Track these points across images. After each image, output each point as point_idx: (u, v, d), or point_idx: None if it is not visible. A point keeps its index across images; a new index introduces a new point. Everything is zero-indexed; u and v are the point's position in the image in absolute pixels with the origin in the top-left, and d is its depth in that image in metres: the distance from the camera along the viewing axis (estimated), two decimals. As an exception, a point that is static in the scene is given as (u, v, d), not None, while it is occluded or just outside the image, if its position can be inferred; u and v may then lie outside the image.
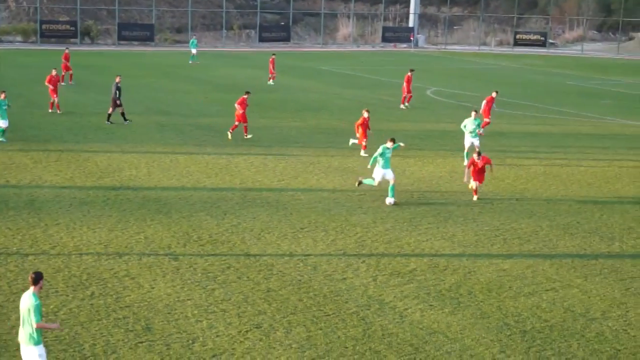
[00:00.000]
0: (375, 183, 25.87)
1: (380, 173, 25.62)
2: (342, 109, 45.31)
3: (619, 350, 15.67)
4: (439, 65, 76.91)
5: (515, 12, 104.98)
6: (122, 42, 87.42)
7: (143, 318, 16.28)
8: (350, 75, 64.10)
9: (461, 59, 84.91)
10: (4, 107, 32.89)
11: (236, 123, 34.93)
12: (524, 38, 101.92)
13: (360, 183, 26.22)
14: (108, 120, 37.52)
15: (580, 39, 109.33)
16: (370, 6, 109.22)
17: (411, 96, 46.25)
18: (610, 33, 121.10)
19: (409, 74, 46.00)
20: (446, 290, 18.39)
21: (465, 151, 31.46)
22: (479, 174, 26.02)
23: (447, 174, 29.93)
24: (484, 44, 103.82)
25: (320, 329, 16.06)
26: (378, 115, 43.16)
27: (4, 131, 32.80)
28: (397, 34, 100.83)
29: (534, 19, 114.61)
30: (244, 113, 34.77)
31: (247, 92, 35.94)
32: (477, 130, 31.30)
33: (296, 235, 21.97)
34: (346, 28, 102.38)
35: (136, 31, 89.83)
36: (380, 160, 25.58)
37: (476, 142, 31.17)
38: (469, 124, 31.29)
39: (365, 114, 32.17)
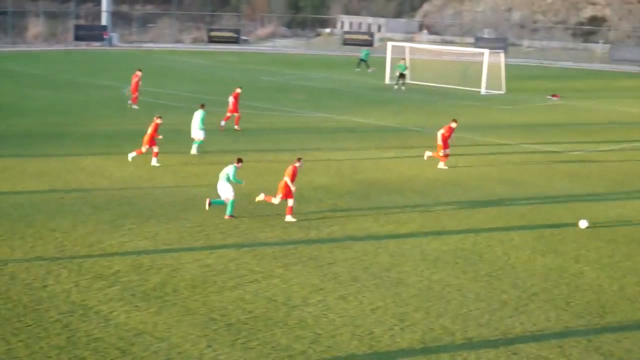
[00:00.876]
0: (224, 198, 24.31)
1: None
2: (36, 110, 43.68)
3: (320, 335, 16.36)
4: (135, 63, 76.02)
5: (209, 10, 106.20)
6: None
7: None
8: (42, 75, 61.89)
9: (157, 57, 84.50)
10: None
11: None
12: (217, 35, 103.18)
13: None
14: None
15: (272, 36, 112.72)
16: (61, 4, 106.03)
17: (137, 96, 45.66)
18: (299, 29, 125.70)
19: (138, 73, 45.80)
20: (151, 289, 18.31)
21: (196, 140, 33.57)
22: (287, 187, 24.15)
23: (147, 172, 29.78)
24: (179, 41, 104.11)
25: (21, 341, 15.42)
26: (72, 117, 42.15)
27: None
28: (90, 32, 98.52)
29: (226, 16, 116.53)
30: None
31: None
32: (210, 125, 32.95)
33: (-9, 244, 20.95)
34: (36, 27, 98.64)
35: None
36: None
37: (201, 135, 33.47)
38: (196, 117, 33.45)
39: (159, 121, 31.24)
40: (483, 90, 60.86)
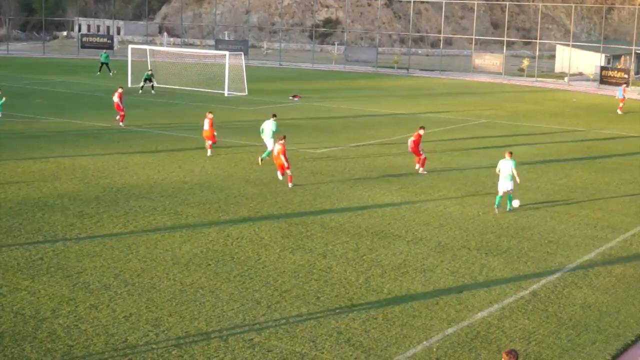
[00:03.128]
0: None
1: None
2: None
3: (72, 346, 15.90)
4: None
5: None
6: None
7: None
8: None
9: None
10: None
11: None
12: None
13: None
14: None
15: (5, 39, 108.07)
16: None
17: None
18: (34, 32, 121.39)
19: None
20: None
21: None
22: None
23: None
24: None
25: None
26: None
27: None
28: None
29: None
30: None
31: None
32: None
33: None
34: None
35: None
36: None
37: None
38: None
39: (211, 116, 35.64)
40: (226, 92, 61.42)
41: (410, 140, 33.86)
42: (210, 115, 35.71)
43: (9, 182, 29.30)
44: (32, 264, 20.57)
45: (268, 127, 34.63)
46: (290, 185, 30.33)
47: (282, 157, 30.22)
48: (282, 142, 30.61)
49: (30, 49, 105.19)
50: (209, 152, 35.91)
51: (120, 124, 43.39)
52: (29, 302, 18.02)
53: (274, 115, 35.38)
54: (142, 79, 60.37)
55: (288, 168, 30.48)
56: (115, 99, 43.43)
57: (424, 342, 16.81)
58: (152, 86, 60.67)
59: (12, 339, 16.09)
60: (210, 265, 21.16)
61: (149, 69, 63.06)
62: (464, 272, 21.48)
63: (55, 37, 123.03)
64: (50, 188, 28.75)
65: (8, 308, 17.61)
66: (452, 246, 23.76)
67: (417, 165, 34.19)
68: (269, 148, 33.54)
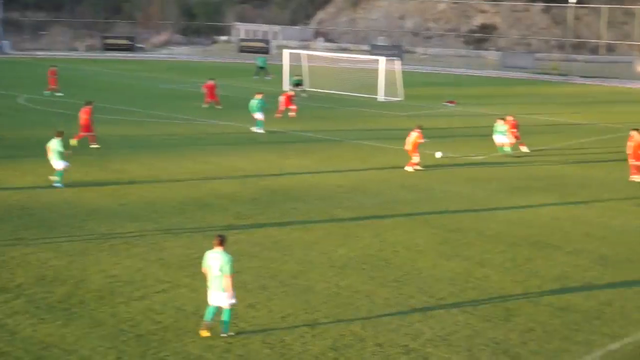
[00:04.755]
0: None
1: None
2: None
3: (231, 344, 16.25)
4: (29, 71, 74.24)
5: (102, 17, 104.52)
6: None
7: None
8: None
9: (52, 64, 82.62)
10: None
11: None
12: (112, 43, 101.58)
13: None
14: None
15: (167, 43, 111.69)
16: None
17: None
18: (194, 37, 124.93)
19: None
20: (57, 302, 17.88)
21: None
22: None
23: (46, 182, 29.04)
24: (73, 49, 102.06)
25: None
26: None
27: None
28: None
29: (120, 23, 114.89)
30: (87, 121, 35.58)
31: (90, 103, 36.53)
32: None
33: None
34: None
35: None
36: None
37: None
38: None
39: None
40: (381, 97, 61.46)
41: (630, 145, 33.58)
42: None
43: (172, 181, 30.21)
44: (192, 261, 21.07)
45: None
46: (411, 169, 34.08)
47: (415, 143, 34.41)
48: (417, 131, 34.71)
49: (191, 53, 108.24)
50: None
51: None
52: (190, 299, 18.52)
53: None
54: (292, 84, 61.11)
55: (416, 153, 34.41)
56: (204, 89, 51.85)
57: (586, 357, 16.31)
58: (304, 90, 61.38)
59: (175, 333, 16.57)
60: (365, 269, 21.20)
61: (297, 74, 63.87)
62: (627, 286, 20.71)
63: (215, 42, 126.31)
64: (210, 188, 29.47)
65: (170, 304, 18.15)
66: (615, 259, 22.94)
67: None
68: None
